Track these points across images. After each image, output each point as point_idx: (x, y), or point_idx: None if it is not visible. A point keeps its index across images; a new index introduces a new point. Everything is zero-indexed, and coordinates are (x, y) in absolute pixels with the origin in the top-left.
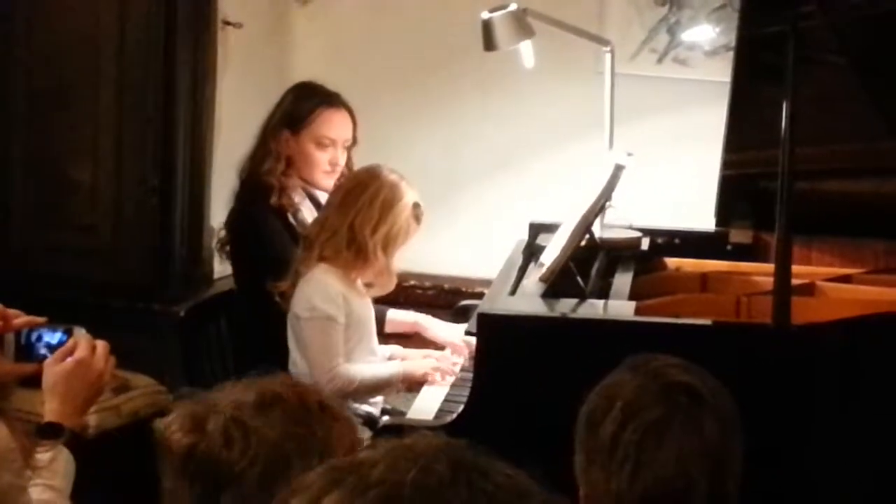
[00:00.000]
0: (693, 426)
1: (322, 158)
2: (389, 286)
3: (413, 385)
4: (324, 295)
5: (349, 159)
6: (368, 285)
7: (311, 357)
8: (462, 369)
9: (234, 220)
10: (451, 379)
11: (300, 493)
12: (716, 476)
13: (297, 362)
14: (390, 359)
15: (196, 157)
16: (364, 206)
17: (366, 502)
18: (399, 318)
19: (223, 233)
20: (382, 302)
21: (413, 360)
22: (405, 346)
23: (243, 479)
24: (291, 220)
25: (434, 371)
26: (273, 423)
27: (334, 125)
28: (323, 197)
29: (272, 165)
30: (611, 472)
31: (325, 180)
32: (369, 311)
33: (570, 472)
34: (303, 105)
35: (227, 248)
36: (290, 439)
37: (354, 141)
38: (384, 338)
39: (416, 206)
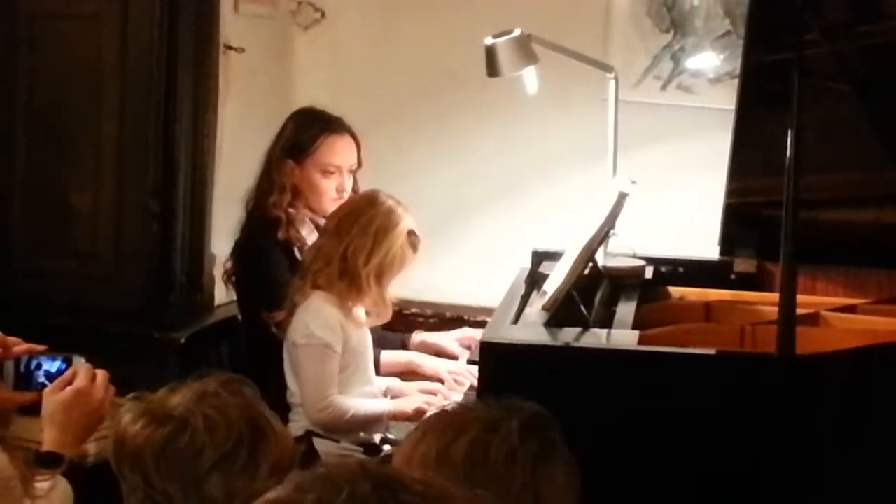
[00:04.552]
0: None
1: (329, 186)
2: (386, 316)
3: (404, 421)
4: (322, 322)
5: (355, 183)
6: (368, 313)
7: (304, 383)
8: (464, 398)
9: (240, 252)
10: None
11: None
12: None
13: (296, 392)
14: (386, 391)
15: (197, 184)
16: (358, 233)
17: None
18: (392, 359)
19: (229, 264)
20: (383, 330)
21: (403, 399)
22: (404, 380)
23: (230, 456)
24: (298, 255)
25: (427, 406)
26: (236, 401)
27: (338, 152)
28: None
29: (278, 197)
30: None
31: (334, 208)
32: (366, 341)
33: None
34: (305, 133)
35: (234, 279)
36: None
37: (359, 164)
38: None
39: (411, 233)
